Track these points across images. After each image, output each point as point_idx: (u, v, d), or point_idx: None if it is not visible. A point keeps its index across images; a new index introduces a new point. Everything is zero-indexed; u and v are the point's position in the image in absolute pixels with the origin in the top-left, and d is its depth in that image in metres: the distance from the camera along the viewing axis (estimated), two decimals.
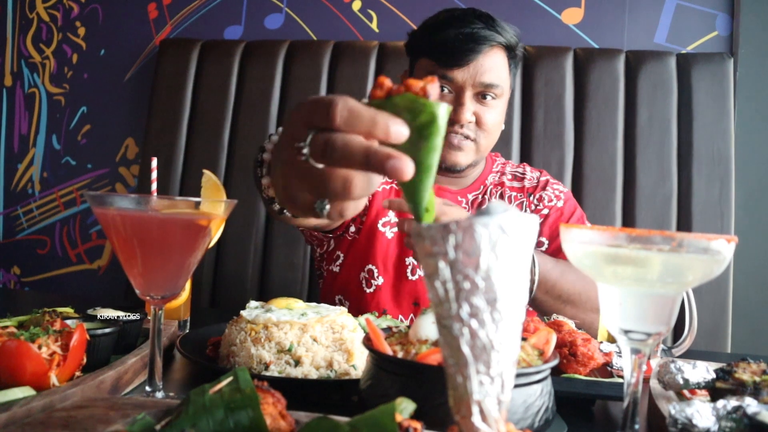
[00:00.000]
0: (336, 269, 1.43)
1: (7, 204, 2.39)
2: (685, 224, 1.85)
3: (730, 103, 1.88)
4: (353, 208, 0.56)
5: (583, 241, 0.59)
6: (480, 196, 1.45)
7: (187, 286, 1.11)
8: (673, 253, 0.57)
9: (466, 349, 0.42)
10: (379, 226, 1.39)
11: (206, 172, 0.74)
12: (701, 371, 0.77)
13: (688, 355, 1.33)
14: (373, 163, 0.46)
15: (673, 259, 0.58)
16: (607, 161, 1.91)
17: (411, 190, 0.47)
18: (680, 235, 0.58)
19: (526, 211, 1.44)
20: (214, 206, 0.71)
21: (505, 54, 1.36)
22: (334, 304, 1.43)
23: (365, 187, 0.50)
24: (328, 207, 0.53)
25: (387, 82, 0.48)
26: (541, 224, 1.42)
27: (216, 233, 0.73)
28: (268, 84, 2.05)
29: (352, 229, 1.40)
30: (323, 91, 2.02)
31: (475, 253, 0.41)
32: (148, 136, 2.12)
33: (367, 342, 0.67)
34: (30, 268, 2.38)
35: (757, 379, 0.77)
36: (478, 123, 1.34)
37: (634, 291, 0.60)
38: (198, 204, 0.69)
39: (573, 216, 1.44)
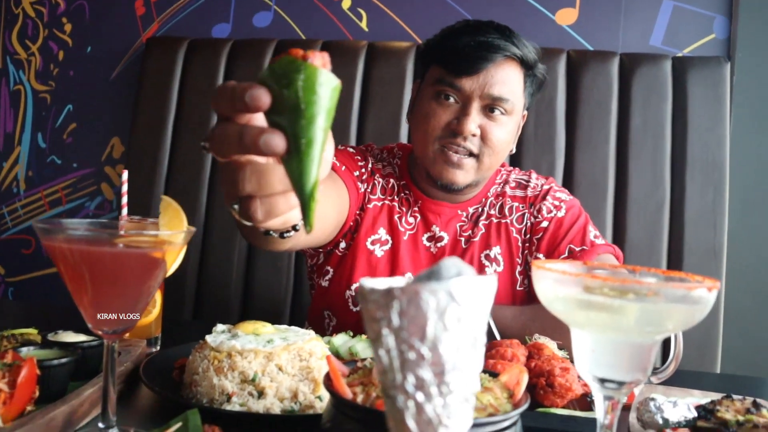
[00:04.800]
0: (325, 284, 1.37)
1: None
2: (677, 233, 1.81)
3: (726, 108, 1.84)
4: (271, 207, 0.55)
5: (553, 284, 0.56)
6: (480, 209, 1.38)
7: (158, 300, 1.07)
8: (649, 301, 0.54)
9: (411, 423, 0.39)
10: (368, 244, 1.33)
11: (165, 197, 0.70)
12: (682, 410, 0.74)
13: (675, 376, 1.30)
14: (246, 141, 0.47)
15: (650, 308, 0.54)
16: (598, 167, 1.87)
17: (294, 173, 0.47)
18: (656, 285, 0.54)
19: (526, 223, 1.36)
20: (173, 236, 0.67)
21: (521, 69, 1.28)
22: (322, 317, 1.38)
23: (256, 179, 0.52)
24: (236, 206, 0.55)
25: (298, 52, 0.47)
26: (540, 239, 1.34)
27: (174, 261, 0.69)
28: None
29: (342, 245, 1.34)
30: None
31: (421, 321, 0.37)
32: (133, 135, 2.08)
33: (328, 381, 0.63)
34: (14, 268, 2.34)
35: (741, 418, 0.74)
36: (483, 138, 1.25)
37: (608, 338, 0.57)
38: (154, 234, 0.66)
39: (574, 225, 1.34)
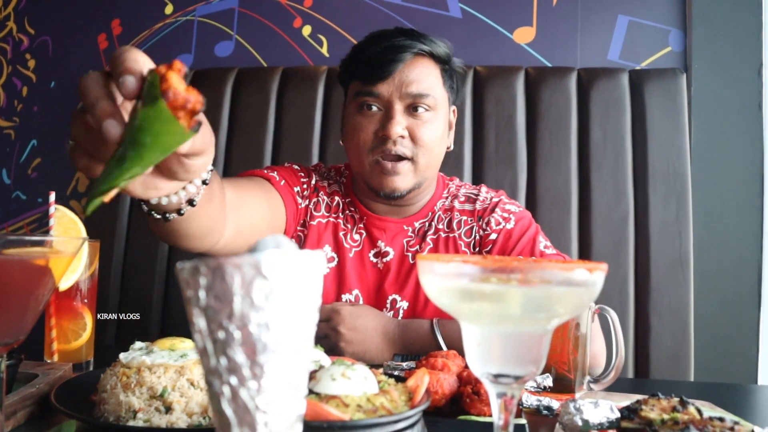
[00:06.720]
0: None
1: None
2: (643, 244, 1.79)
3: (684, 118, 1.84)
4: (90, 166, 0.56)
5: (435, 277, 0.54)
6: (427, 224, 1.35)
7: (89, 323, 1.04)
8: (531, 286, 0.52)
9: (228, 409, 0.36)
10: None
11: (59, 207, 0.68)
12: (604, 410, 0.71)
13: (652, 384, 1.26)
14: (95, 112, 0.49)
15: (532, 293, 0.52)
16: (561, 182, 1.85)
17: (106, 166, 0.48)
18: (530, 266, 0.52)
19: (475, 237, 1.33)
20: (57, 243, 0.65)
21: (435, 64, 1.29)
22: None
23: (91, 140, 0.53)
24: (71, 143, 0.56)
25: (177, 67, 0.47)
26: (489, 252, 1.31)
27: (66, 271, 0.67)
28: (215, 112, 2.00)
29: None
30: (271, 117, 1.97)
31: (228, 297, 0.35)
32: None
33: None
34: None
35: (666, 416, 0.70)
36: (413, 139, 1.25)
37: (498, 330, 0.54)
38: (43, 242, 0.63)
39: (524, 237, 1.32)
